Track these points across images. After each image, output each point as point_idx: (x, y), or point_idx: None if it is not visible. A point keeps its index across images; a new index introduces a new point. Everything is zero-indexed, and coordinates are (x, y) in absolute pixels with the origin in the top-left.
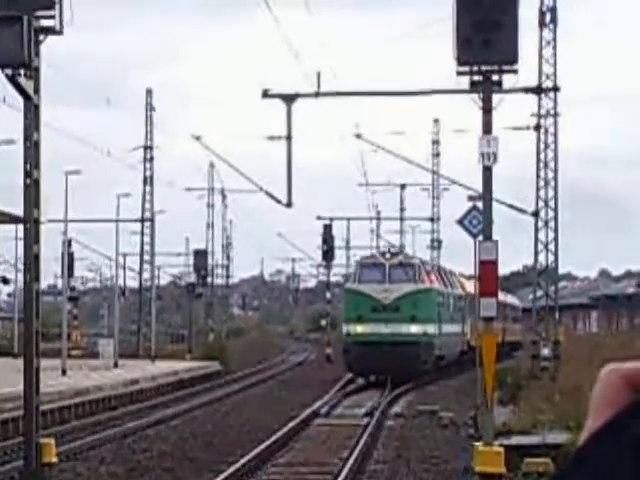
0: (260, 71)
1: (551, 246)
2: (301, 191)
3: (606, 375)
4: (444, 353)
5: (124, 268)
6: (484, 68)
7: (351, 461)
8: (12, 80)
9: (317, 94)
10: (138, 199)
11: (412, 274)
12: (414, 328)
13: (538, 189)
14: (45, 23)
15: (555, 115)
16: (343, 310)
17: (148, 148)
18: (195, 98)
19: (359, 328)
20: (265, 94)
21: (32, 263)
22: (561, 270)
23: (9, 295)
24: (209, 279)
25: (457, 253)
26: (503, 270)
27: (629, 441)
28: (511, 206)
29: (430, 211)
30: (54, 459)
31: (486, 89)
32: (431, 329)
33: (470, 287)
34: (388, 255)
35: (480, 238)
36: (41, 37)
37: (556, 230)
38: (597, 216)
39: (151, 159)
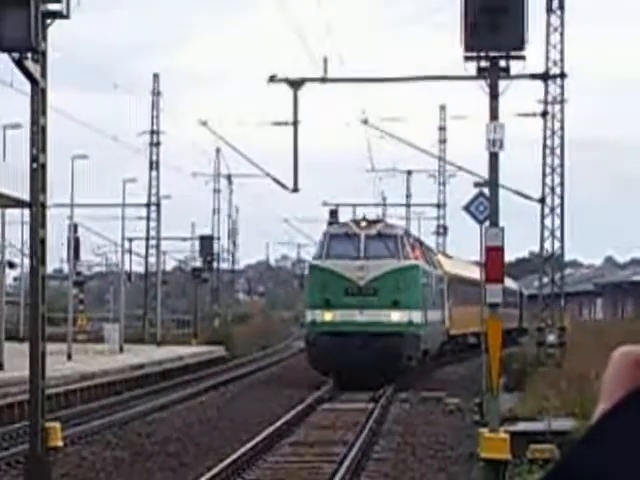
0: (267, 56)
1: (557, 233)
2: (307, 177)
3: (618, 358)
4: (429, 346)
5: (130, 253)
6: (491, 54)
7: (356, 448)
8: (19, 64)
9: (324, 80)
10: (144, 184)
11: (394, 248)
12: (396, 316)
13: (544, 176)
14: (52, 7)
15: (562, 102)
16: (306, 293)
17: (154, 133)
18: (201, 83)
19: (327, 315)
20: (272, 79)
21: (38, 247)
22: (567, 257)
23: (15, 279)
24: (215, 264)
25: (463, 240)
26: (509, 257)
27: None
28: (517, 192)
29: (436, 197)
30: (60, 443)
31: (493, 75)
32: (417, 317)
33: (449, 267)
34: (363, 223)
35: (486, 224)
36: (48, 21)
37: (562, 217)
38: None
39: (157, 144)
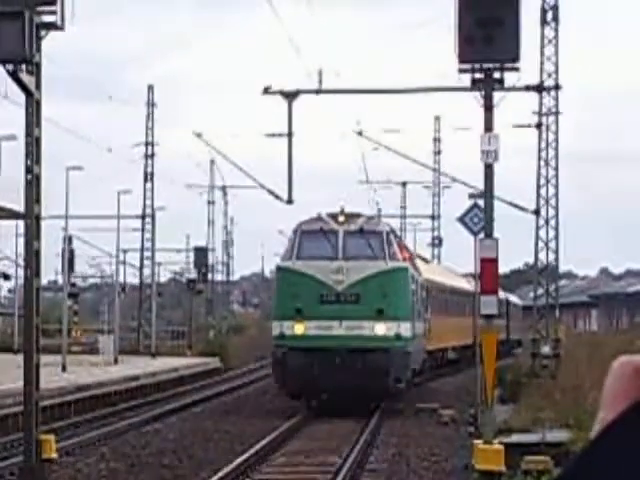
0: (261, 68)
1: (552, 244)
2: (302, 188)
3: (619, 367)
4: (416, 365)
5: (124, 264)
6: (486, 66)
7: (351, 459)
8: (13, 76)
9: (318, 91)
10: (139, 195)
11: (379, 246)
12: (382, 328)
13: (539, 187)
14: (46, 19)
15: (556, 113)
16: (273, 301)
17: (149, 144)
18: (195, 94)
19: (298, 328)
20: (266, 91)
21: (33, 259)
22: (562, 268)
23: (9, 291)
24: (209, 276)
25: (458, 251)
26: (504, 268)
27: None
28: (512, 204)
29: (431, 209)
30: (54, 455)
31: (487, 87)
32: (406, 330)
33: (427, 272)
34: (342, 217)
35: (481, 236)
36: (42, 33)
37: (557, 228)
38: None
39: (152, 155)
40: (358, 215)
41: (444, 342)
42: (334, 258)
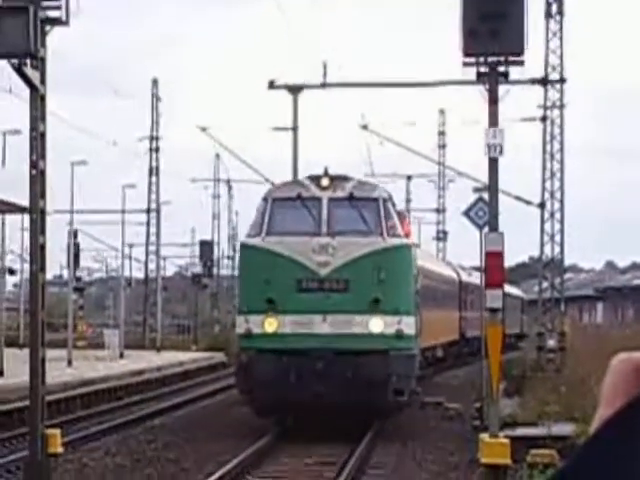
0: (267, 62)
1: (557, 237)
2: None
3: (618, 364)
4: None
5: (130, 259)
6: (490, 59)
7: (357, 453)
8: (18, 70)
9: (323, 85)
10: (144, 190)
11: (374, 218)
12: (379, 324)
13: (544, 180)
14: (51, 14)
15: (561, 107)
16: (238, 290)
17: (154, 138)
18: (201, 88)
19: (270, 324)
20: (271, 85)
21: (38, 254)
22: (567, 262)
23: (15, 286)
24: (215, 270)
25: (462, 245)
26: (509, 262)
27: None
28: (517, 197)
29: (436, 202)
30: (60, 449)
31: (492, 80)
32: (409, 326)
33: (421, 260)
34: (326, 181)
35: (486, 230)
36: (47, 28)
37: (562, 222)
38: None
39: (157, 149)
40: (346, 178)
41: (434, 339)
42: (316, 233)
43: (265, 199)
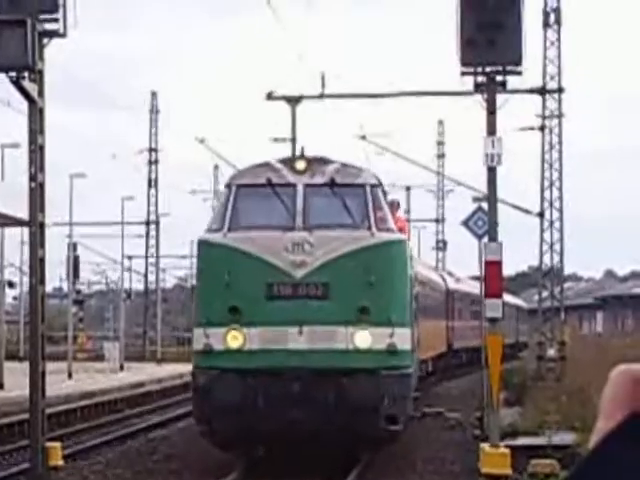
0: (265, 73)
1: (556, 247)
2: None
3: (617, 376)
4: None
5: (130, 271)
6: (488, 69)
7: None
8: (16, 84)
9: (321, 96)
10: (143, 202)
11: (360, 208)
12: (366, 337)
13: (543, 190)
14: (49, 26)
15: (560, 116)
16: (195, 296)
17: (153, 150)
18: (199, 100)
19: (234, 339)
20: (269, 96)
21: (37, 266)
22: (566, 270)
23: (15, 298)
24: None
25: (462, 255)
26: (509, 271)
27: None
28: (516, 207)
29: (435, 212)
30: (60, 462)
31: (490, 90)
32: (404, 340)
33: (417, 266)
34: (302, 164)
35: (485, 239)
36: (45, 40)
37: (561, 231)
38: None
39: (156, 161)
40: (327, 161)
41: (423, 353)
42: (290, 227)
43: (228, 186)
